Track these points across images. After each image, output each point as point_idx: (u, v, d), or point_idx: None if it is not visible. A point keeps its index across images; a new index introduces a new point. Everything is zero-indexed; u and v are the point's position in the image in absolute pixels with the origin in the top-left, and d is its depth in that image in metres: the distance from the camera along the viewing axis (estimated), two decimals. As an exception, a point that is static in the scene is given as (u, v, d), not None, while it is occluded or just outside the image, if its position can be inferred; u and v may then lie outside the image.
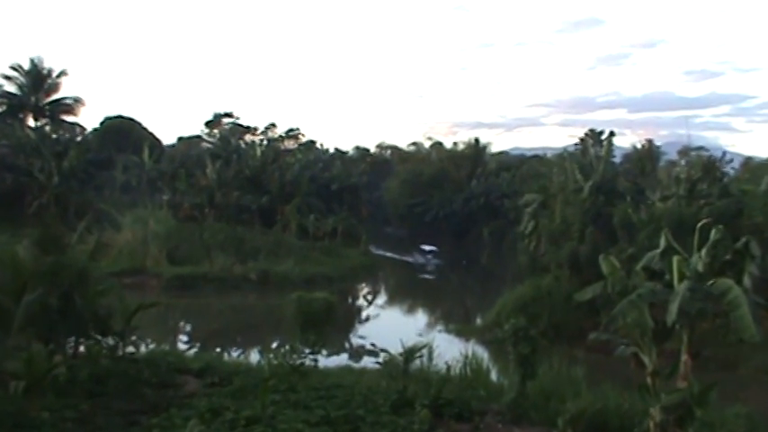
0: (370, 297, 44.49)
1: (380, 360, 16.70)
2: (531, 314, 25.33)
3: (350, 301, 42.93)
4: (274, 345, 25.01)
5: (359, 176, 69.27)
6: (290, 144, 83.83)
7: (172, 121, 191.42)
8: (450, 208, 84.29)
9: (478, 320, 32.88)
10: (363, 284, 49.01)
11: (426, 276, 51.75)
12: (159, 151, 60.27)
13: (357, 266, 48.98)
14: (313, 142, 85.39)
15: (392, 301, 42.98)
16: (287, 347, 17.27)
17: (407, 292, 46.24)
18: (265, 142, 73.20)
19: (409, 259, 59.30)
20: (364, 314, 36.50)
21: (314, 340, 17.78)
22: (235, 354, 23.97)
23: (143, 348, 20.52)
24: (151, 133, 65.51)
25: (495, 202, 79.43)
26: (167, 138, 76.18)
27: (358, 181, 67.18)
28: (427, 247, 58.99)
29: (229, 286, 37.70)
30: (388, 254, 63.32)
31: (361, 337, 28.13)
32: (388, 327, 30.15)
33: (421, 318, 35.22)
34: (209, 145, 68.95)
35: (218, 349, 24.21)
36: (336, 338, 27.12)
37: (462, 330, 29.18)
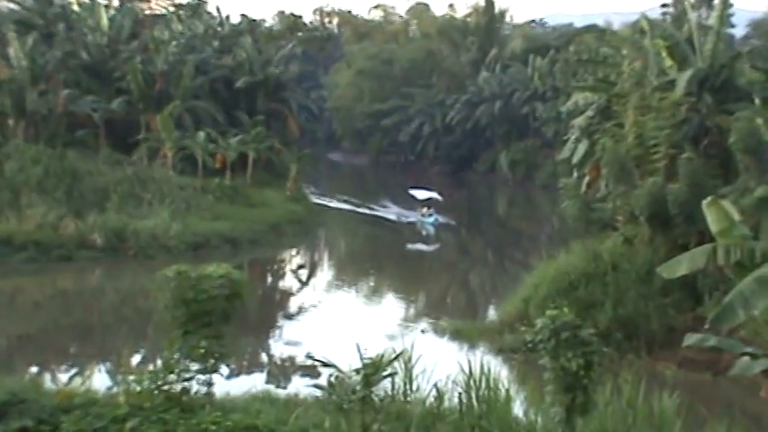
0: (304, 273, 45.46)
1: (323, 382, 16.60)
2: (584, 302, 25.96)
3: (270, 280, 43.69)
4: (136, 358, 25.30)
5: (284, 65, 69.53)
6: (160, 5, 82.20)
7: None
8: (441, 119, 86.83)
9: (491, 313, 34.05)
10: (294, 252, 50.35)
11: (420, 247, 53.61)
12: None
13: (283, 221, 50.23)
14: (202, 3, 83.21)
15: (343, 278, 43.87)
16: (158, 363, 17.33)
17: (374, 266, 47.70)
18: (117, 2, 72.09)
19: (385, 215, 61.46)
20: (295, 303, 37.51)
21: (207, 349, 17.56)
22: (65, 376, 24.12)
23: None
24: None
25: (521, 110, 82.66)
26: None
27: (283, 73, 67.62)
28: (421, 193, 60.45)
29: (55, 257, 38.10)
30: (340, 204, 65.42)
31: (291, 343, 28.91)
32: (337, 324, 31.05)
33: (394, 308, 36.53)
34: (11, 5, 65.92)
35: (32, 368, 24.52)
36: (247, 345, 27.91)
37: (463, 330, 29.91)
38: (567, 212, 35.03)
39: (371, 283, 42.89)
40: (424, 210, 58.25)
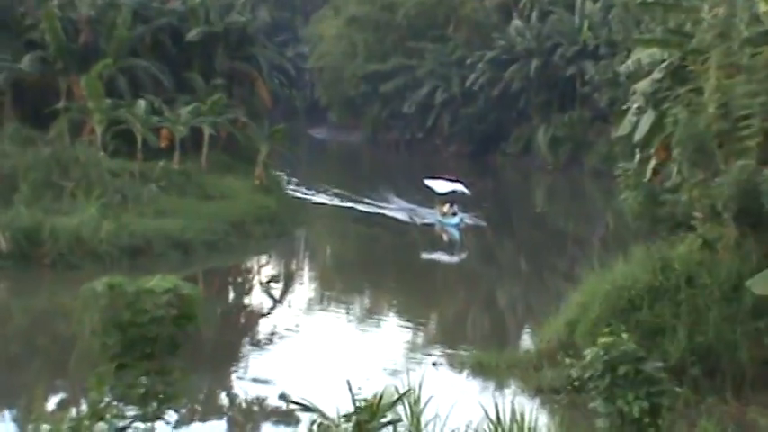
0: (278, 288, 45.76)
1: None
2: (649, 327, 26.01)
3: (233, 297, 44.10)
4: (53, 401, 25.28)
5: (251, 11, 69.91)
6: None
7: None
8: (459, 84, 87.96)
9: (525, 341, 34.30)
10: (264, 259, 50.93)
11: (440, 258, 53.81)
12: None
13: (250, 219, 50.50)
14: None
15: (330, 295, 44.08)
16: (82, 407, 17.65)
17: (370, 279, 47.94)
18: None
19: (391, 213, 61.61)
20: (266, 328, 37.71)
21: (148, 389, 17.60)
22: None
23: None
24: None
25: (565, 71, 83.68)
26: None
27: (249, 22, 67.83)
28: (440, 184, 60.40)
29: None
30: (326, 197, 66.04)
31: (260, 380, 29.07)
32: (322, 355, 31.35)
33: (396, 334, 36.60)
34: None
35: None
36: (202, 383, 27.74)
37: (488, 363, 29.93)
38: (627, 207, 34.95)
39: (367, 302, 43.10)
40: (446, 207, 58.11)
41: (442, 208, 58.30)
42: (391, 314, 40.41)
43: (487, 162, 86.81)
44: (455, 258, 53.91)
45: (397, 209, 62.19)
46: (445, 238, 56.80)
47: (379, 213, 61.10)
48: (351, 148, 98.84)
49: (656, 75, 35.59)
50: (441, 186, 59.40)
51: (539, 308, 38.13)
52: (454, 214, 57.45)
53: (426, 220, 59.19)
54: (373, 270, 49.58)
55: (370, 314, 40.45)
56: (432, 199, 59.65)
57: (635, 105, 36.79)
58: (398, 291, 45.34)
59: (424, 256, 53.35)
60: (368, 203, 63.29)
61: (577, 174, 79.82)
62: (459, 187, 59.30)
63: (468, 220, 58.05)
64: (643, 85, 36.58)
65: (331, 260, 54.58)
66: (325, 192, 67.01)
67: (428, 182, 60.67)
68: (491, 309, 43.28)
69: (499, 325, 39.92)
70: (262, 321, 38.76)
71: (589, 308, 28.53)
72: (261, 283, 46.67)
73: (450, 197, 58.76)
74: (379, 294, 44.25)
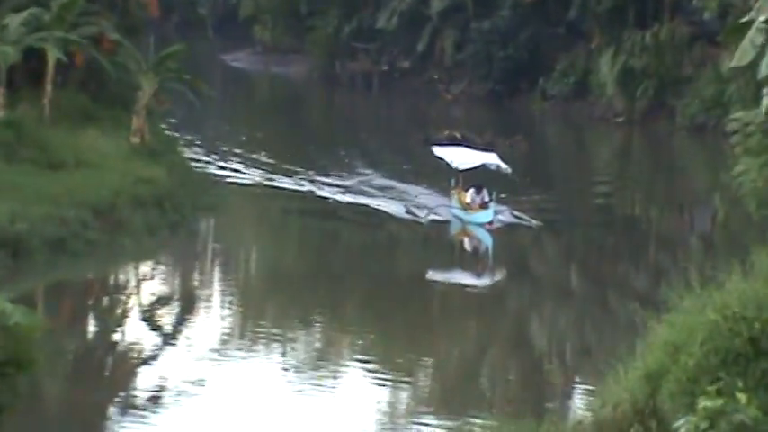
0: (169, 316, 45.95)
1: None
2: None
3: (95, 328, 44.10)
4: None
5: None
6: None
7: None
8: None
9: (576, 404, 35.39)
10: (147, 268, 51.15)
11: (460, 279, 53.42)
12: None
13: (124, 201, 50.56)
14: None
15: (256, 330, 44.21)
16: None
17: (327, 304, 47.98)
18: None
19: (380, 204, 61.33)
20: (149, 379, 37.75)
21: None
22: None
23: None
24: None
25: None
26: None
27: None
28: (461, 155, 60.58)
29: None
30: (252, 169, 67.16)
31: None
32: (243, 428, 32.14)
33: (367, 394, 37.38)
34: None
35: None
36: None
37: None
38: (746, 185, 35.11)
39: (317, 342, 43.23)
40: (470, 194, 58.00)
41: (463, 195, 58.12)
42: (357, 361, 40.36)
43: (516, 109, 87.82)
44: (485, 280, 53.47)
45: (381, 196, 62.19)
46: (467, 244, 57.46)
47: (345, 203, 61.38)
48: (291, 84, 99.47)
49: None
50: (461, 157, 59.26)
51: (599, 351, 38.85)
52: (484, 205, 57.20)
53: (434, 215, 58.56)
54: (329, 289, 49.50)
55: (322, 361, 40.35)
56: (436, 176, 60.25)
57: (762, 18, 36.75)
58: (369, 323, 45.22)
59: (432, 276, 52.69)
60: (329, 185, 63.81)
61: (665, 129, 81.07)
62: (493, 159, 59.76)
63: (508, 215, 58.02)
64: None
65: (259, 271, 54.53)
66: (249, 161, 67.76)
67: (439, 150, 61.04)
68: (521, 353, 43.47)
69: (534, 379, 40.06)
70: (143, 371, 38.36)
71: (683, 351, 27.21)
72: (141, 308, 46.29)
73: (476, 176, 58.81)
74: (337, 329, 44.15)
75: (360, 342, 43.05)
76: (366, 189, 63.34)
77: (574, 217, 64.38)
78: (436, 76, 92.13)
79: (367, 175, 65.29)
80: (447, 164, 59.30)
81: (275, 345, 41.72)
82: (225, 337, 42.66)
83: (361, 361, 40.54)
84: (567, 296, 51.69)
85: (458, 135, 63.65)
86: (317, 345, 42.68)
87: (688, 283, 32.77)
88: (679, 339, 27.97)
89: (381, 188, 62.90)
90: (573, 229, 62.42)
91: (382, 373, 38.64)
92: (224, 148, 69.56)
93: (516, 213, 57.84)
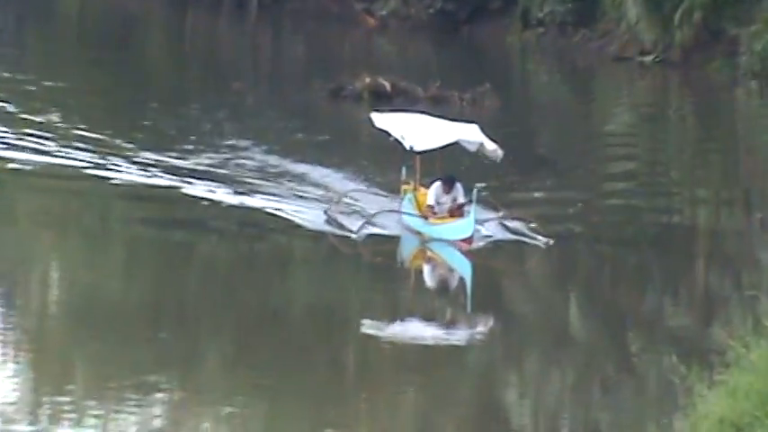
0: None
1: None
2: None
3: None
4: None
5: None
6: None
7: None
8: None
9: None
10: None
11: (423, 331, 50.09)
12: None
13: None
14: None
15: (51, 394, 40.48)
16: None
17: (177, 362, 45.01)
18: None
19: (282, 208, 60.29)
20: None
21: None
22: None
23: None
24: None
25: None
26: None
27: None
28: (423, 132, 57.82)
29: None
30: (49, 145, 67.50)
31: None
32: None
33: None
34: None
35: None
36: None
37: None
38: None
39: (156, 422, 39.42)
40: (433, 191, 55.15)
41: (422, 193, 55.80)
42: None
43: (480, 42, 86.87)
44: (457, 335, 49.32)
45: (282, 190, 60.84)
46: (430, 274, 54.74)
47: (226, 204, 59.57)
48: (120, 3, 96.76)
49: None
50: (419, 131, 56.34)
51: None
52: (459, 211, 54.47)
53: (377, 228, 56.32)
54: (175, 333, 47.23)
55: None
56: (380, 159, 59.53)
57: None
58: (240, 393, 41.69)
59: (368, 329, 48.50)
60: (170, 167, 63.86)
61: (721, 75, 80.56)
62: (473, 134, 57.38)
63: (498, 227, 55.51)
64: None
65: (60, 308, 51.71)
66: (49, 132, 66.89)
67: (381, 119, 59.03)
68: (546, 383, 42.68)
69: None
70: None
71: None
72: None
73: (446, 164, 56.82)
74: (185, 402, 40.85)
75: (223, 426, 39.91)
76: (246, 173, 62.85)
77: (593, 223, 62.20)
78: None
79: (245, 149, 64.55)
80: (395, 141, 56.54)
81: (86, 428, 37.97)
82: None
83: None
84: (559, 333, 49.53)
85: (385, 84, 60.49)
86: (151, 426, 38.84)
87: (758, 322, 32.97)
88: (744, 414, 27.67)
89: (275, 175, 62.08)
90: (592, 244, 59.89)
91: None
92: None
93: (512, 224, 55.41)
